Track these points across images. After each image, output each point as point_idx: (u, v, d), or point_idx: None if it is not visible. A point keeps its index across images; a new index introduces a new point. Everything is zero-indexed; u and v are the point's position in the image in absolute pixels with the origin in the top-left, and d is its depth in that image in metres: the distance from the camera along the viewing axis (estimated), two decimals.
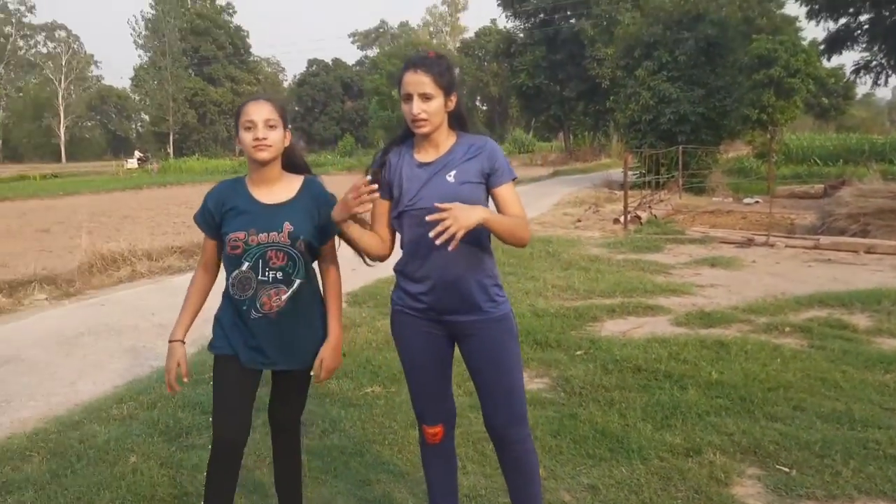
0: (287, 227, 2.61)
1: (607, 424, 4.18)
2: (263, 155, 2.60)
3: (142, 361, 5.76)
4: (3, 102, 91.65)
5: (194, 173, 46.63)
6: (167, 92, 69.88)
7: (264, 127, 2.59)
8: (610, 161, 41.31)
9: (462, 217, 2.35)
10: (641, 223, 13.77)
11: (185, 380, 2.72)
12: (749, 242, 11.36)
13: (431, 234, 2.34)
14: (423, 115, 2.55)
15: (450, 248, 2.35)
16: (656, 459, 3.77)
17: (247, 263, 2.61)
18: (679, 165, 19.87)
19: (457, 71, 2.72)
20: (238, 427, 2.70)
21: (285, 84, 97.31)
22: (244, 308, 2.63)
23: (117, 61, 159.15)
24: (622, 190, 15.51)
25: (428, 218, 2.38)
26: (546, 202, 19.33)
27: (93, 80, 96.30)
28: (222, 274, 2.75)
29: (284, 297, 2.63)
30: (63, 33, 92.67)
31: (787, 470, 3.64)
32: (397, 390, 4.83)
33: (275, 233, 2.60)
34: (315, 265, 2.77)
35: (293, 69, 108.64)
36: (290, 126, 2.72)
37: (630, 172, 22.04)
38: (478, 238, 2.61)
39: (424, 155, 2.67)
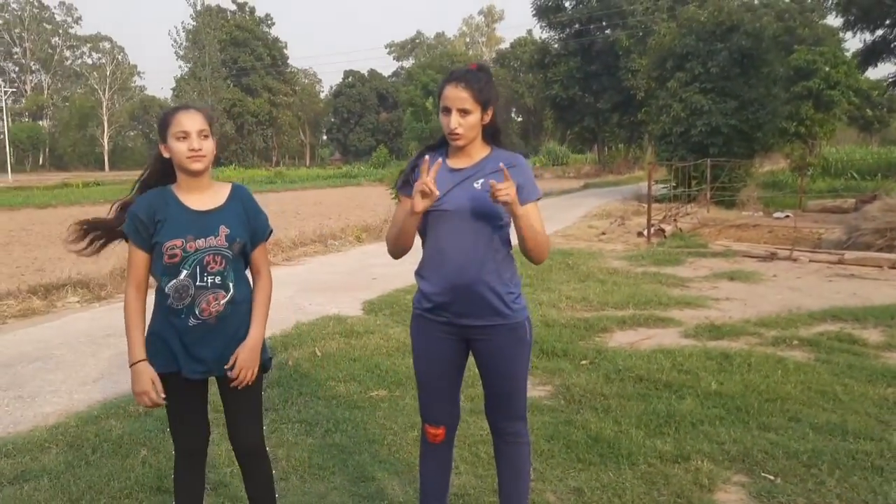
0: (223, 230, 2.64)
1: (601, 431, 4.29)
2: (198, 166, 2.62)
3: None
4: (50, 112, 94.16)
5: None
6: (207, 102, 71.09)
7: (198, 137, 2.61)
8: (643, 174, 41.08)
9: (513, 193, 2.54)
10: (665, 236, 13.78)
11: (163, 395, 2.64)
12: (772, 257, 11.33)
13: (492, 184, 2.52)
14: (460, 130, 2.67)
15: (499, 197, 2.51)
16: (644, 465, 3.88)
17: (185, 271, 2.60)
18: (708, 178, 19.76)
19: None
20: (195, 436, 2.79)
21: (322, 95, 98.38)
22: (182, 316, 2.62)
23: (159, 72, 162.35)
24: (653, 202, 15.55)
25: (492, 182, 2.54)
26: (572, 214, 19.39)
27: (135, 91, 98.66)
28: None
29: (223, 301, 2.65)
30: (108, 44, 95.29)
31: (772, 478, 3.72)
32: (401, 394, 4.99)
33: (212, 237, 2.62)
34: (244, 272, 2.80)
35: (329, 80, 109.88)
36: (216, 135, 2.75)
37: (660, 185, 22.16)
38: (498, 245, 2.74)
39: (457, 162, 2.79)
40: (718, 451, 4.04)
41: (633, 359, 5.73)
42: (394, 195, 3.05)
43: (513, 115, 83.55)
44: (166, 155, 2.65)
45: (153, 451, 4.08)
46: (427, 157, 2.76)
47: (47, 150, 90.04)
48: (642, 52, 34.89)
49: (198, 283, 2.61)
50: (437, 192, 2.61)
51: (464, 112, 2.67)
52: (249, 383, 2.70)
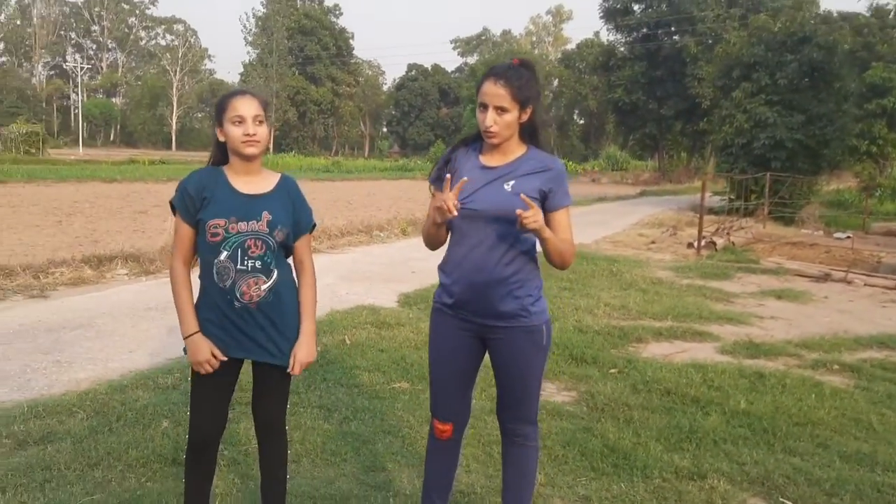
0: (266, 216, 2.66)
1: (618, 441, 4.23)
2: (252, 150, 2.66)
3: None
4: (123, 89, 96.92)
5: (290, 169, 48.10)
6: (272, 89, 72.22)
7: (253, 123, 2.64)
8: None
9: (540, 220, 2.54)
10: (716, 249, 13.51)
11: (224, 358, 2.71)
12: (825, 278, 11.02)
13: (519, 214, 2.50)
14: (495, 128, 2.64)
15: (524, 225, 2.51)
16: (658, 479, 3.81)
17: (225, 252, 2.63)
18: (766, 192, 19.31)
19: (535, 82, 2.74)
20: (213, 425, 2.80)
21: (384, 87, 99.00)
22: (227, 297, 2.66)
23: (228, 57, 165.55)
24: (708, 214, 15.30)
25: (519, 212, 2.51)
26: (624, 221, 19.16)
27: (205, 74, 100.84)
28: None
29: (264, 287, 2.67)
30: (181, 27, 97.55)
31: None
32: (423, 388, 4.99)
33: (254, 221, 2.65)
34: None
35: (393, 72, 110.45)
36: (271, 119, 2.79)
37: (718, 197, 21.75)
38: (521, 247, 2.71)
39: (490, 159, 2.75)
40: (738, 471, 3.95)
41: (663, 371, 5.64)
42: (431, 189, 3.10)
43: (575, 117, 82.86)
44: (221, 139, 2.70)
45: (174, 423, 4.17)
46: (457, 155, 2.79)
47: (118, 126, 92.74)
48: (710, 60, 34.21)
49: (238, 266, 2.64)
50: (455, 213, 2.60)
51: (500, 110, 2.62)
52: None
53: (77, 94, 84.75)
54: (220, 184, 2.69)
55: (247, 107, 2.65)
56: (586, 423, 4.56)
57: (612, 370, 5.68)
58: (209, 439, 2.81)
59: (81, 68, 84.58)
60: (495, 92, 2.61)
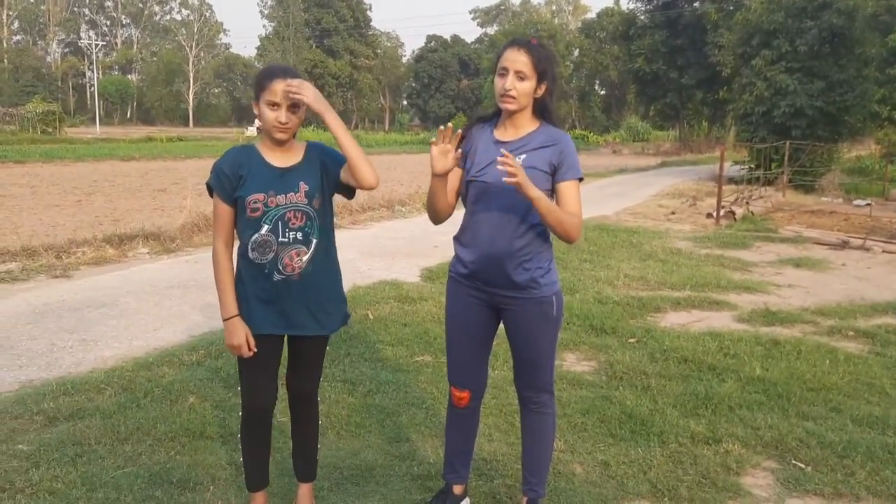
0: (303, 186, 2.73)
1: (636, 408, 4.31)
2: (282, 136, 2.71)
3: (219, 316, 6.22)
4: (138, 66, 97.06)
5: None
6: (289, 63, 72.06)
7: (287, 111, 2.67)
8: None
9: (523, 177, 2.56)
10: (735, 219, 13.48)
11: (255, 349, 2.78)
12: (843, 245, 10.98)
13: (498, 160, 2.55)
14: (513, 92, 2.71)
15: (507, 180, 2.54)
16: (675, 444, 3.89)
17: (266, 226, 2.69)
18: (785, 161, 19.14)
19: (554, 66, 2.83)
20: (266, 395, 2.91)
21: (403, 59, 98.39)
22: (266, 271, 2.73)
23: (244, 30, 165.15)
24: (728, 184, 15.24)
25: (499, 159, 2.56)
26: (644, 192, 19.11)
27: (221, 48, 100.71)
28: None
29: (305, 258, 2.75)
30: (196, 1, 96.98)
31: (802, 466, 3.69)
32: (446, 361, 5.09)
33: (292, 193, 2.71)
34: (328, 228, 2.89)
35: (412, 44, 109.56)
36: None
37: (739, 167, 21.59)
38: (533, 220, 2.77)
39: (503, 133, 2.83)
40: (752, 435, 4.02)
41: (680, 339, 5.70)
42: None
43: (596, 87, 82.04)
44: (256, 112, 2.75)
45: (201, 398, 4.30)
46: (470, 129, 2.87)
47: (135, 103, 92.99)
48: (730, 27, 33.73)
49: (280, 239, 2.71)
50: (454, 156, 2.71)
51: (520, 76, 2.70)
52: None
53: (92, 72, 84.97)
54: (255, 160, 2.75)
55: (284, 93, 2.64)
56: (605, 391, 4.64)
57: (631, 340, 5.75)
58: (263, 410, 2.92)
59: (96, 45, 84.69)
60: (517, 58, 2.70)
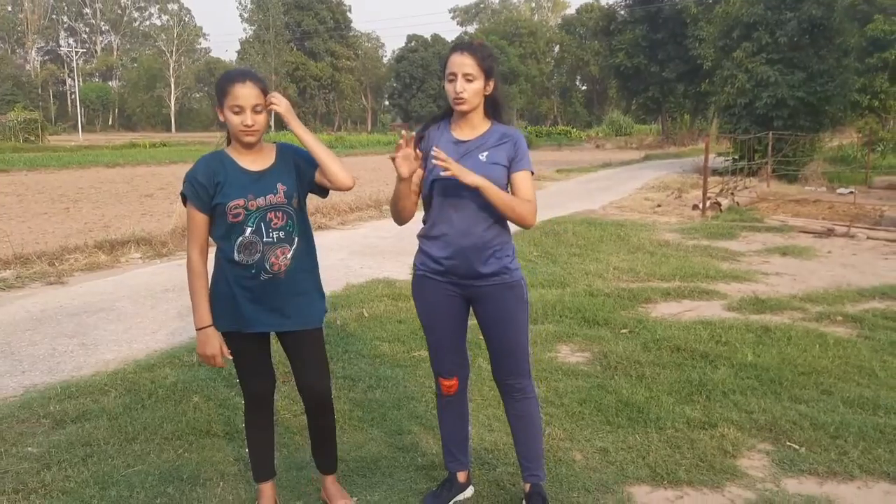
0: (281, 187, 2.79)
1: (632, 396, 4.40)
2: (250, 139, 2.74)
3: None
4: (119, 72, 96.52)
5: None
6: (270, 66, 71.92)
7: (252, 113, 2.69)
8: None
9: (458, 169, 2.74)
10: (721, 210, 13.62)
11: (230, 357, 2.87)
12: (829, 233, 11.14)
13: (435, 161, 2.73)
14: (464, 94, 2.82)
15: (443, 173, 2.74)
16: (671, 430, 3.98)
17: (249, 228, 2.75)
18: (769, 151, 19.33)
19: (495, 61, 2.98)
20: (263, 382, 3.01)
21: (384, 60, 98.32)
22: (253, 272, 2.78)
23: (224, 34, 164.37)
24: (713, 175, 15.40)
25: (433, 154, 2.75)
26: (629, 186, 19.26)
27: (201, 53, 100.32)
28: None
29: (289, 255, 2.82)
30: (175, 6, 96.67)
31: (796, 447, 3.79)
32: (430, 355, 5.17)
33: (271, 195, 2.77)
34: (307, 226, 2.96)
35: (392, 44, 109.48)
36: (268, 106, 2.78)
37: (722, 158, 21.77)
38: (498, 217, 2.91)
39: (461, 133, 2.95)
40: (746, 419, 4.11)
41: (672, 329, 5.80)
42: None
43: (577, 83, 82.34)
44: (222, 118, 2.77)
45: (204, 398, 4.35)
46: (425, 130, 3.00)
47: (116, 110, 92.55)
48: (710, 20, 33.97)
49: (265, 239, 2.77)
50: (415, 157, 2.86)
51: (468, 78, 2.83)
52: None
53: (73, 79, 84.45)
54: (229, 166, 2.78)
55: (245, 96, 2.67)
56: (600, 380, 4.72)
57: (624, 330, 5.84)
58: (262, 396, 3.03)
59: (76, 52, 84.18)
60: (462, 61, 2.83)
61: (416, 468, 3.57)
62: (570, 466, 3.57)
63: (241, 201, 2.73)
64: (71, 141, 51.79)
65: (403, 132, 2.88)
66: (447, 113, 3.02)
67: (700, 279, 7.80)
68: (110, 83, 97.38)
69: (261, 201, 2.76)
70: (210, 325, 2.83)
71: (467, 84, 2.83)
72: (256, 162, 2.83)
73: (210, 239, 2.84)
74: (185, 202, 2.80)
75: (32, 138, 44.31)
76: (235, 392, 4.44)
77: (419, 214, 3.07)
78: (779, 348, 5.31)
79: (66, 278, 7.94)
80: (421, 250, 3.06)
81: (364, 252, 9.55)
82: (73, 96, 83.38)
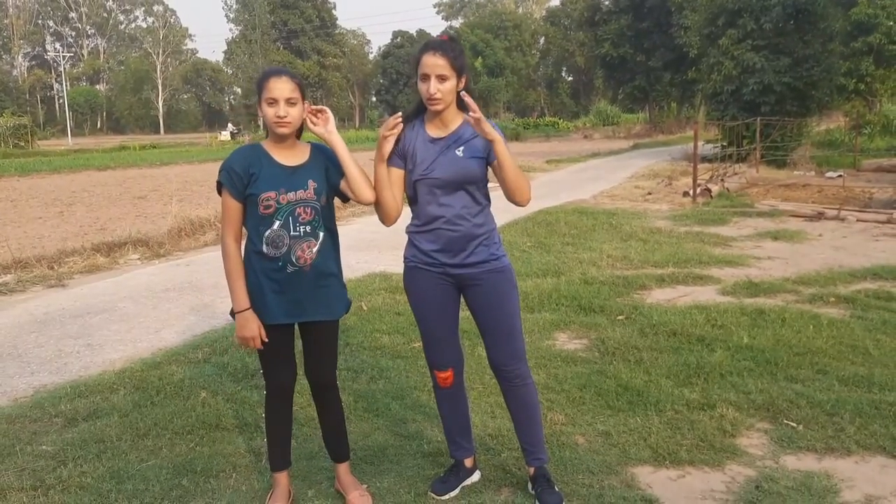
0: (311, 184, 2.91)
1: (631, 380, 4.49)
2: (283, 131, 2.86)
3: (219, 315, 6.35)
4: (106, 76, 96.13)
5: None
6: (257, 65, 71.68)
7: (286, 105, 2.82)
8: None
9: (486, 123, 2.82)
10: (712, 196, 13.74)
11: (266, 339, 2.93)
12: (819, 216, 11.26)
13: (471, 114, 2.82)
14: (438, 95, 2.88)
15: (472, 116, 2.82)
16: (670, 411, 4.07)
17: (278, 222, 2.85)
18: (757, 137, 19.47)
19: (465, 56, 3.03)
20: (286, 375, 3.09)
21: (370, 56, 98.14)
22: (280, 265, 2.88)
23: (211, 35, 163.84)
24: (702, 162, 15.51)
25: (471, 114, 2.82)
26: (619, 175, 19.35)
27: (188, 54, 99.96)
28: None
29: (315, 249, 2.92)
30: (160, 8, 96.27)
31: (794, 425, 3.89)
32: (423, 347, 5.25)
33: (301, 191, 2.88)
34: (332, 222, 3.05)
35: (378, 41, 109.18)
36: (307, 99, 2.96)
37: (711, 145, 21.90)
38: (481, 200, 3.04)
39: (435, 130, 3.01)
40: (744, 400, 4.21)
41: (668, 314, 5.89)
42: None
43: (563, 74, 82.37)
44: (260, 114, 2.90)
45: (212, 393, 4.42)
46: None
47: (104, 113, 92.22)
48: (695, 8, 34.10)
49: (292, 233, 2.87)
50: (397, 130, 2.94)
51: (441, 78, 2.88)
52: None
53: (61, 84, 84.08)
54: (264, 159, 2.90)
55: (280, 89, 2.82)
56: (599, 366, 4.81)
57: (620, 317, 5.93)
58: (285, 387, 3.11)
59: (63, 57, 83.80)
60: (435, 62, 2.87)
61: (423, 455, 3.65)
62: (573, 450, 3.65)
63: (272, 193, 2.84)
64: (61, 145, 51.53)
65: (399, 114, 2.95)
66: (419, 109, 3.06)
67: (693, 265, 7.90)
68: (98, 87, 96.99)
69: (291, 196, 2.87)
70: (248, 308, 2.90)
71: (441, 84, 2.87)
72: (291, 157, 2.94)
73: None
74: (219, 191, 2.91)
75: (22, 144, 44.15)
76: (242, 387, 4.52)
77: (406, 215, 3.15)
78: (773, 330, 5.41)
79: (67, 281, 7.99)
80: (411, 243, 3.14)
81: (359, 247, 9.62)
82: (61, 101, 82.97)
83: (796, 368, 4.67)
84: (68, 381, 4.78)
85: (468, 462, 3.36)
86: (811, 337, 5.23)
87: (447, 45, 2.93)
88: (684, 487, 3.31)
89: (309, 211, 2.91)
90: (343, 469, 3.27)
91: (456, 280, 3.09)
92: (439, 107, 2.92)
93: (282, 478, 3.17)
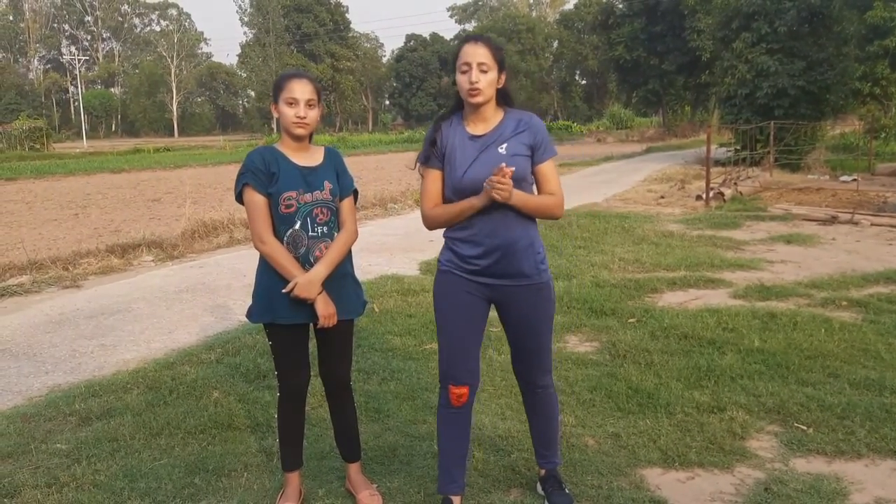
0: (328, 185, 2.95)
1: (641, 383, 4.49)
2: (301, 132, 2.91)
3: (231, 316, 6.40)
4: (121, 79, 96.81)
5: None
6: (271, 69, 71.96)
7: (306, 106, 2.87)
8: None
9: (510, 189, 2.70)
10: (725, 200, 13.70)
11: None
12: (832, 220, 11.21)
13: (490, 180, 2.68)
14: (479, 84, 2.76)
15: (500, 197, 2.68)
16: (681, 414, 4.07)
17: (298, 222, 2.89)
18: (770, 141, 19.39)
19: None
20: (299, 376, 3.11)
21: (384, 60, 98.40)
22: (299, 263, 2.90)
23: (225, 39, 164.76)
24: (715, 166, 15.48)
25: (496, 178, 2.67)
26: (631, 178, 19.32)
27: (202, 58, 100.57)
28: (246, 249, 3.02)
29: None
30: (174, 12, 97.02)
31: (804, 428, 3.88)
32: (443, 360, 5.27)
33: (318, 191, 2.92)
34: None
35: (391, 44, 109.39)
36: (323, 101, 3.01)
37: (724, 149, 21.84)
38: (519, 213, 2.85)
39: (475, 128, 2.88)
40: (755, 403, 4.20)
41: (679, 317, 5.88)
42: (413, 167, 3.21)
43: (576, 77, 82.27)
44: (276, 115, 2.94)
45: (224, 393, 4.46)
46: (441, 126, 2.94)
47: (119, 116, 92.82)
48: (709, 12, 34.01)
49: (310, 234, 2.91)
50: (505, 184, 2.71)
51: (483, 68, 2.77)
52: (331, 326, 2.95)
53: (76, 87, 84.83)
54: (282, 160, 2.94)
55: (301, 90, 2.87)
56: (610, 369, 4.81)
57: (631, 320, 5.93)
58: (299, 388, 3.13)
59: (78, 60, 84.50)
60: (477, 51, 2.78)
61: (433, 455, 3.65)
62: (583, 451, 3.66)
63: (293, 193, 2.88)
64: (75, 148, 51.99)
65: (504, 168, 2.70)
66: (455, 109, 2.96)
67: (705, 268, 7.89)
68: (112, 90, 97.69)
69: (308, 197, 2.90)
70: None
71: (482, 74, 2.77)
72: (306, 159, 2.97)
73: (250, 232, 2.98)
74: (239, 198, 2.94)
75: (38, 146, 44.58)
76: (254, 387, 4.56)
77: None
78: (785, 333, 5.39)
79: (81, 282, 8.07)
80: (449, 248, 2.97)
81: (372, 249, 9.65)
82: (76, 104, 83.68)
83: (807, 372, 4.66)
84: (82, 380, 4.84)
85: (457, 501, 3.10)
86: (823, 340, 5.21)
87: (488, 38, 2.87)
88: (693, 489, 3.32)
89: (326, 212, 2.95)
90: (354, 469, 3.30)
91: (493, 292, 2.94)
92: (480, 98, 2.80)
93: (293, 477, 3.20)
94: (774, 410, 4.11)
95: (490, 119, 2.89)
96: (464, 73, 2.80)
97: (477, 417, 4.04)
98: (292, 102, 2.87)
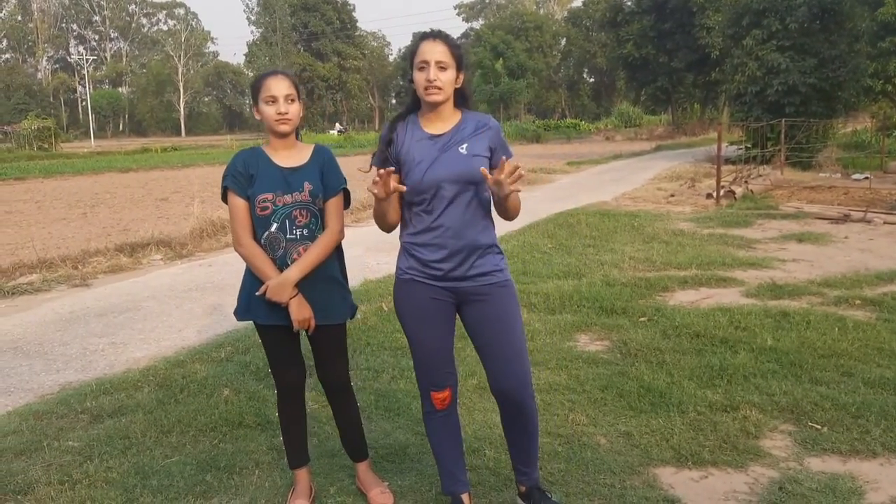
0: (307, 186, 2.88)
1: (653, 382, 4.46)
2: (285, 128, 2.86)
3: None
4: (128, 78, 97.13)
5: None
6: (278, 68, 71.97)
7: (285, 102, 2.84)
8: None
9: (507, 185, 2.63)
10: (735, 198, 13.63)
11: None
12: (845, 218, 11.14)
13: (499, 181, 2.59)
14: (438, 83, 2.68)
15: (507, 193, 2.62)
16: (693, 413, 4.04)
17: (275, 224, 2.85)
18: (781, 139, 19.30)
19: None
20: (293, 375, 3.10)
21: (390, 58, 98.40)
22: (277, 266, 2.87)
23: (232, 38, 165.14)
24: (725, 164, 15.41)
25: (507, 174, 2.60)
26: (641, 177, 19.25)
27: (209, 57, 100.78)
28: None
29: None
30: (182, 11, 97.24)
31: (818, 427, 3.85)
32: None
33: (297, 193, 2.86)
34: None
35: (398, 42, 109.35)
36: (303, 97, 2.98)
37: (735, 147, 21.76)
38: (484, 207, 2.81)
39: (433, 127, 2.79)
40: (768, 401, 4.17)
41: (691, 316, 5.85)
42: (367, 170, 3.13)
43: (584, 75, 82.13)
44: (258, 117, 2.91)
45: (234, 391, 4.46)
46: (397, 128, 2.83)
47: (126, 115, 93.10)
48: (718, 9, 33.90)
49: (288, 236, 2.87)
50: (395, 189, 2.66)
51: (441, 66, 2.69)
52: (303, 327, 2.91)
53: (84, 87, 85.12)
54: (262, 161, 2.92)
55: (278, 86, 2.85)
56: (621, 367, 4.79)
57: (642, 318, 5.90)
58: (293, 386, 3.12)
59: (86, 60, 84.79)
60: (435, 49, 2.69)
61: None
62: (594, 451, 3.64)
63: (269, 195, 2.84)
64: (84, 147, 52.15)
65: (381, 171, 2.65)
66: (412, 108, 2.86)
67: (717, 267, 7.85)
68: (120, 89, 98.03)
69: (287, 198, 2.86)
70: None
71: (440, 72, 2.68)
72: (290, 159, 2.93)
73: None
74: (224, 198, 2.93)
75: (46, 146, 44.70)
76: (264, 385, 4.55)
77: None
78: (798, 332, 5.35)
79: (91, 280, 8.10)
80: (408, 254, 2.85)
81: (379, 248, 9.63)
82: (84, 103, 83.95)
83: (821, 371, 4.62)
84: (93, 378, 4.85)
85: (466, 499, 3.06)
86: (836, 339, 5.17)
87: (446, 34, 2.76)
88: (707, 488, 3.29)
89: (306, 213, 2.90)
90: (363, 467, 3.29)
91: (456, 295, 2.84)
92: (438, 97, 2.71)
93: (301, 475, 3.20)
94: (788, 409, 4.07)
95: (448, 119, 2.81)
96: (421, 70, 2.71)
97: (486, 416, 4.05)
98: (271, 100, 2.85)
